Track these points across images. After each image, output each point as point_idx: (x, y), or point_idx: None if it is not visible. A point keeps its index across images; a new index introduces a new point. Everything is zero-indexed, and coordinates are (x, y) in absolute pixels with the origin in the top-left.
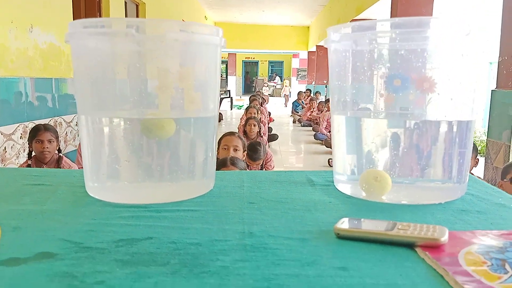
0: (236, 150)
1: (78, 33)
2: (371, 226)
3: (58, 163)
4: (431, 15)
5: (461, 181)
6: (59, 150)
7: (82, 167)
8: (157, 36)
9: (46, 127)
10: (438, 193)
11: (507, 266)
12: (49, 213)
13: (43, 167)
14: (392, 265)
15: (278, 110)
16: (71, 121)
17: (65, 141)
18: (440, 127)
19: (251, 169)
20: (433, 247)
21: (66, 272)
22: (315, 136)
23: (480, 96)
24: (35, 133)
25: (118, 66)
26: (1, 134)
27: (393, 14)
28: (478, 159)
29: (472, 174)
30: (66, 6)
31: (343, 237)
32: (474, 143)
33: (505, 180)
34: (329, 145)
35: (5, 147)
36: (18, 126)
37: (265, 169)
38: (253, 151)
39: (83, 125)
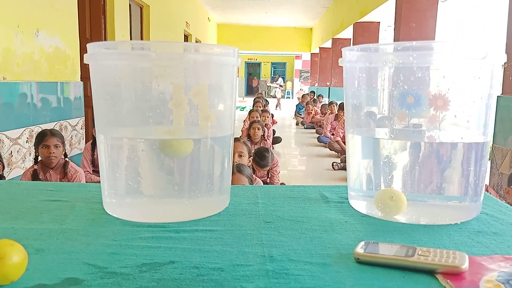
0: (241, 156)
1: (98, 53)
2: (391, 251)
3: (64, 168)
4: (435, 19)
5: (477, 200)
6: (65, 155)
7: (87, 171)
8: (176, 55)
9: (52, 132)
10: (454, 213)
11: None
12: (69, 232)
13: (49, 172)
14: None
15: (281, 112)
16: (76, 125)
17: (70, 145)
18: (455, 147)
19: (257, 175)
20: (454, 274)
21: None
22: (318, 139)
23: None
24: (42, 138)
25: (136, 84)
26: (8, 138)
27: (397, 17)
28: None
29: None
30: (71, 10)
31: (363, 262)
32: None
33: (510, 186)
34: (332, 148)
35: (11, 151)
36: (24, 130)
37: (271, 174)
38: (261, 158)
39: (101, 142)
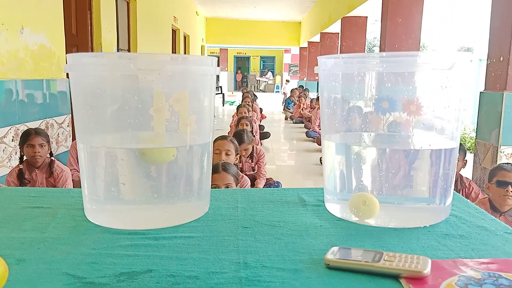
0: (228, 154)
1: (78, 64)
2: (359, 256)
3: (50, 167)
4: (421, 14)
5: (445, 203)
6: (51, 154)
7: (75, 169)
8: (153, 70)
9: (37, 132)
10: (423, 216)
11: None
12: (50, 241)
13: (35, 171)
14: None
15: (270, 106)
16: (62, 122)
17: (57, 142)
18: (425, 151)
19: (243, 168)
20: (417, 278)
21: None
22: (307, 134)
23: (470, 93)
24: (26, 138)
25: (115, 93)
26: None
27: (384, 12)
28: (466, 161)
29: (461, 175)
30: (57, 6)
31: (333, 267)
32: (462, 144)
33: (491, 182)
34: (321, 143)
35: None
36: (10, 129)
37: (258, 166)
38: (238, 138)
39: (81, 150)
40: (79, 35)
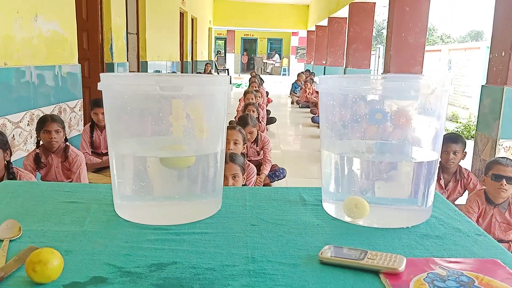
0: (236, 143)
1: (110, 85)
2: (347, 254)
3: (65, 151)
4: (429, 2)
5: (426, 205)
6: (66, 139)
7: (86, 152)
8: (175, 91)
9: (53, 118)
10: (406, 217)
11: None
12: (89, 235)
13: (51, 156)
14: None
15: (277, 89)
16: (74, 107)
17: (69, 126)
18: (409, 160)
19: (249, 154)
20: (393, 274)
21: None
22: (312, 119)
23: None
24: (43, 124)
25: (141, 107)
26: (10, 122)
27: (392, 0)
28: (466, 152)
29: (460, 166)
30: None
31: (325, 263)
32: (461, 136)
33: (487, 175)
34: None
35: (13, 134)
36: (25, 114)
37: (263, 152)
38: (242, 122)
39: (112, 157)
40: (89, 19)
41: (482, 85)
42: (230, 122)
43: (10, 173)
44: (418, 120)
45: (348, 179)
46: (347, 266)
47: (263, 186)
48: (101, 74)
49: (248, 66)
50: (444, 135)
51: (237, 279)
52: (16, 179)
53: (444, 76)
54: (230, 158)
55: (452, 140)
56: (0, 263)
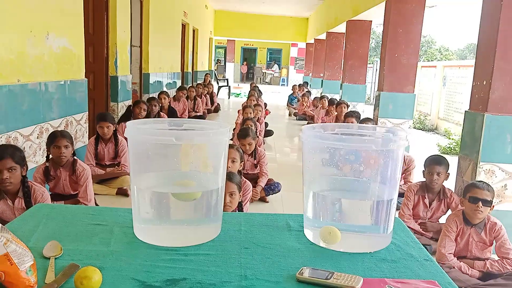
0: (234, 161)
1: (135, 134)
2: (318, 274)
3: (73, 165)
4: (421, 24)
5: (387, 232)
6: (74, 154)
7: (91, 164)
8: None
9: (62, 134)
10: (371, 243)
11: None
12: (116, 254)
13: (59, 169)
14: None
15: (275, 99)
16: (80, 120)
17: (75, 138)
18: (374, 198)
19: (246, 168)
20: None
21: None
22: None
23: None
24: (53, 140)
25: (158, 151)
26: (21, 136)
27: (386, 23)
28: (449, 174)
29: (444, 186)
30: (78, 11)
31: (302, 281)
32: (445, 159)
33: (465, 197)
34: None
35: (24, 147)
36: (35, 128)
37: (259, 166)
38: (243, 132)
39: (133, 189)
40: (95, 34)
41: (465, 111)
42: (232, 145)
43: (25, 187)
44: (380, 164)
45: (323, 211)
46: (318, 284)
47: (259, 199)
48: (128, 124)
49: (247, 76)
50: (428, 157)
51: None
52: (31, 192)
53: (401, 135)
54: (227, 177)
55: (436, 162)
56: (51, 277)
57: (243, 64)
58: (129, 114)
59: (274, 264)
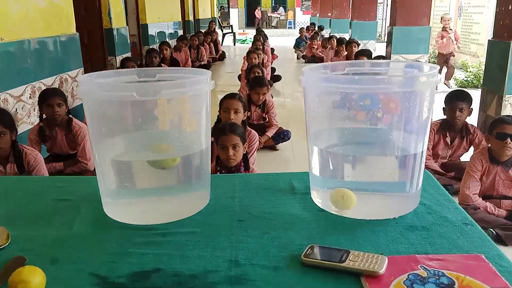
0: (237, 112)
1: (88, 92)
2: (329, 256)
3: (68, 124)
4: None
5: (416, 189)
6: (68, 112)
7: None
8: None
9: (54, 92)
10: (394, 206)
11: None
12: (77, 239)
13: (55, 129)
14: None
15: (283, 43)
16: (75, 76)
17: (72, 96)
18: (399, 145)
19: (253, 118)
20: (373, 277)
21: None
22: None
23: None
24: (45, 98)
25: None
26: (11, 97)
27: None
28: (472, 109)
29: (466, 122)
30: None
31: (307, 265)
32: (468, 94)
33: (491, 134)
34: None
35: (16, 108)
36: (26, 87)
37: (268, 117)
38: (257, 81)
39: (96, 156)
40: None
41: (488, 40)
42: (234, 95)
43: (16, 151)
44: (406, 108)
45: (334, 170)
46: (330, 268)
47: (268, 147)
48: (80, 78)
49: (262, 22)
50: (450, 93)
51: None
52: (22, 157)
53: (428, 69)
54: (229, 129)
55: (458, 97)
56: None
57: (257, 9)
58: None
59: (273, 241)
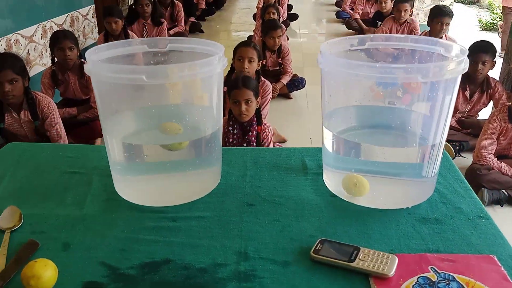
0: (251, 61)
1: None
2: (338, 254)
3: (81, 68)
4: None
5: (432, 174)
6: (80, 56)
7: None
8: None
9: (65, 35)
10: (408, 194)
11: None
12: (89, 222)
13: (67, 73)
14: None
15: None
16: (87, 14)
17: (84, 35)
18: (416, 129)
19: (269, 65)
20: (383, 279)
21: None
22: (337, 15)
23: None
24: (56, 41)
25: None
26: (23, 37)
27: None
28: (495, 62)
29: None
30: None
31: (317, 262)
32: (492, 45)
33: None
34: (350, 27)
35: (28, 49)
36: (38, 27)
37: (283, 64)
38: (272, 24)
39: (107, 142)
40: None
41: None
42: (249, 43)
43: (29, 98)
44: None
45: (349, 152)
46: (338, 267)
47: (282, 95)
48: (87, 53)
49: None
50: (472, 44)
51: (227, 283)
52: (36, 104)
53: (457, 53)
54: (242, 82)
55: (481, 49)
56: (1, 265)
57: None
58: (135, 15)
59: (284, 231)
